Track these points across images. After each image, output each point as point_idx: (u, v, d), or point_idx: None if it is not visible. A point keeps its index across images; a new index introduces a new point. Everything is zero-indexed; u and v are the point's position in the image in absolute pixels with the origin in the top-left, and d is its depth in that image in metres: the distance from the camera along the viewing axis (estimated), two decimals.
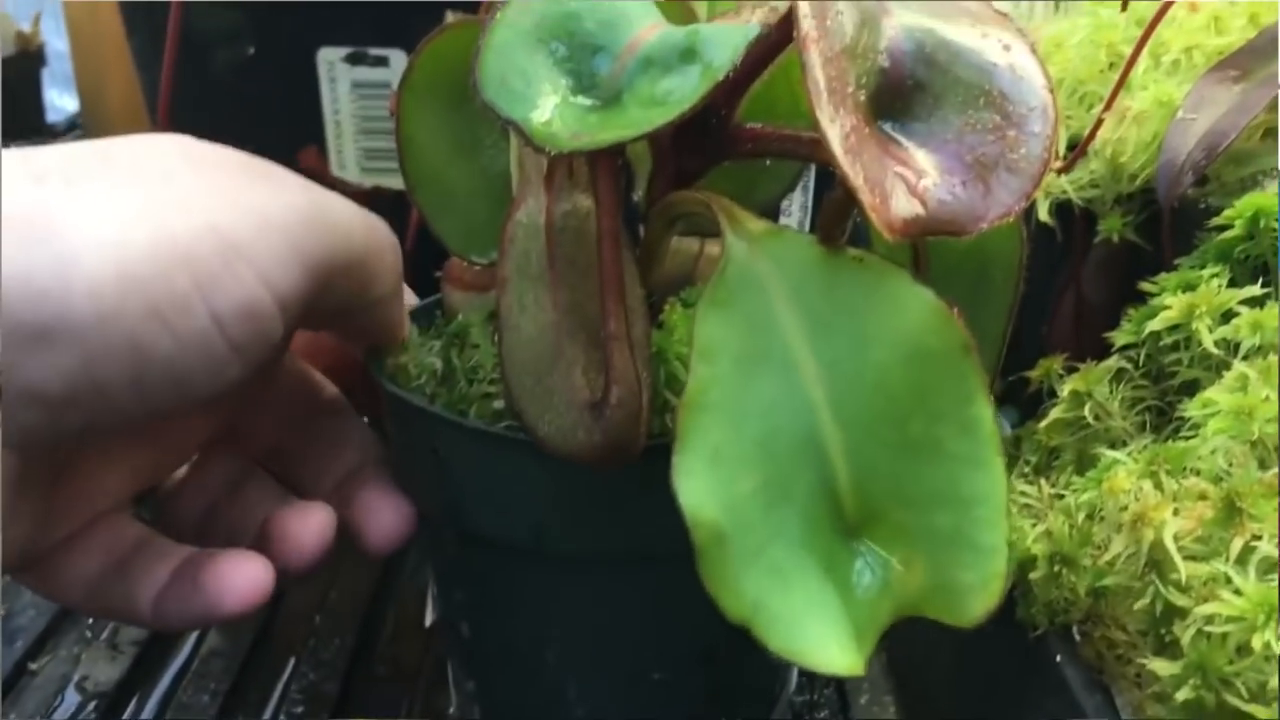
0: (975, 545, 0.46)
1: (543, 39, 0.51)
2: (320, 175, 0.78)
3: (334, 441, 0.68)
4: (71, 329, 0.45)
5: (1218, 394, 0.58)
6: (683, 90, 0.48)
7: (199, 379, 0.49)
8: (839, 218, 0.51)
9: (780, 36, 0.51)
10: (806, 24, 0.46)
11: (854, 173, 0.44)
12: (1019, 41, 0.50)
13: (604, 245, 0.53)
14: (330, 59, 1.28)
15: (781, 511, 0.47)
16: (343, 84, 1.28)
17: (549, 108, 0.49)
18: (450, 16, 1.26)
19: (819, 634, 0.46)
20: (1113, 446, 0.66)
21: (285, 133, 1.31)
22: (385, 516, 0.64)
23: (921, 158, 0.48)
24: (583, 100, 0.50)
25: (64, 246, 0.45)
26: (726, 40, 0.49)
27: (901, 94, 0.50)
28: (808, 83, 0.45)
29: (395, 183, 0.99)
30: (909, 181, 0.47)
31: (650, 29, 0.52)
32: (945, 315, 0.47)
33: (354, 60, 1.27)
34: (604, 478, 0.56)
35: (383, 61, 1.27)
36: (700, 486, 0.46)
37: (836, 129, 0.45)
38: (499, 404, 0.61)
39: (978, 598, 0.46)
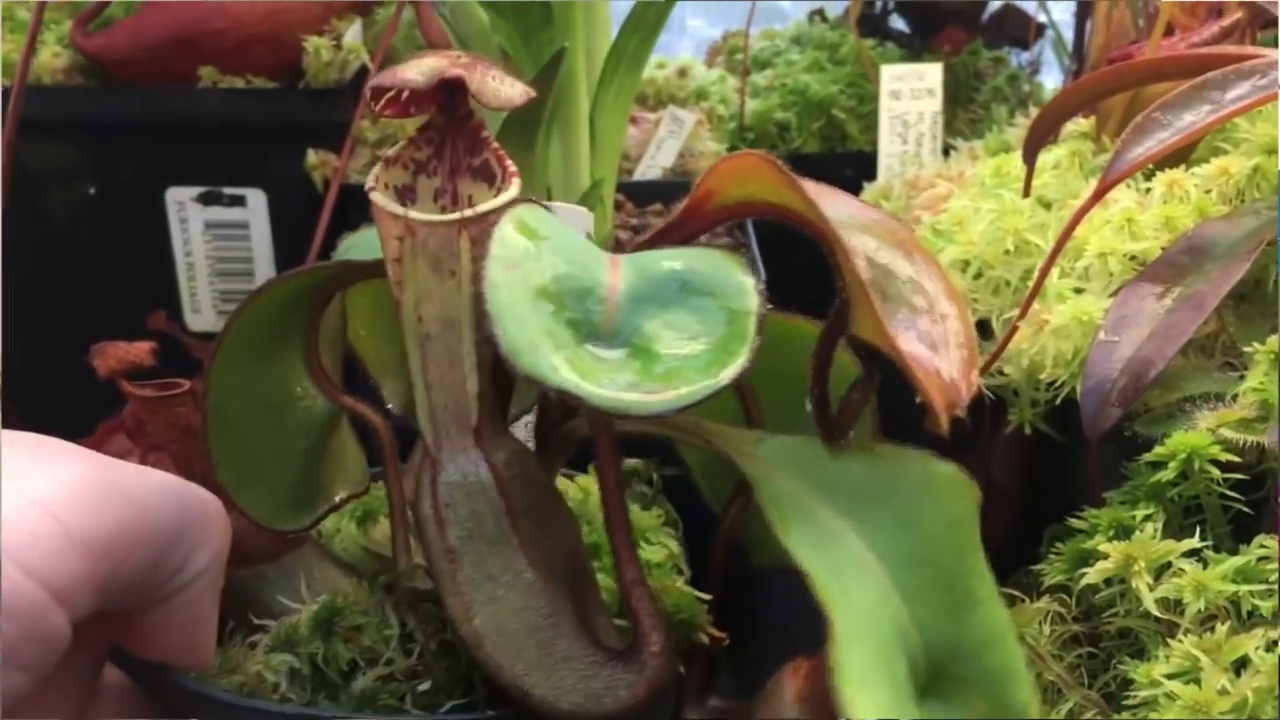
0: (1016, 671, 0.50)
1: (537, 292, 0.47)
2: (172, 337, 0.71)
3: None
4: None
5: (1167, 677, 0.54)
6: (708, 330, 0.48)
7: None
8: (855, 416, 0.54)
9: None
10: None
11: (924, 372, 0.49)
12: (928, 263, 0.55)
13: (607, 491, 0.54)
14: (180, 199, 1.19)
15: (903, 698, 0.49)
16: (195, 225, 1.18)
17: (582, 365, 0.46)
18: (312, 156, 1.20)
19: None
20: (1046, 698, 0.62)
21: (131, 278, 1.22)
22: None
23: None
24: (595, 350, 0.46)
25: None
26: (727, 276, 0.49)
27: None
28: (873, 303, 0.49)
29: None
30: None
31: (611, 263, 0.50)
32: (965, 480, 0.52)
33: (207, 200, 1.18)
34: None
35: (239, 201, 1.18)
36: (866, 708, 0.46)
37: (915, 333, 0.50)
38: (422, 686, 0.57)
39: (1031, 710, 0.50)
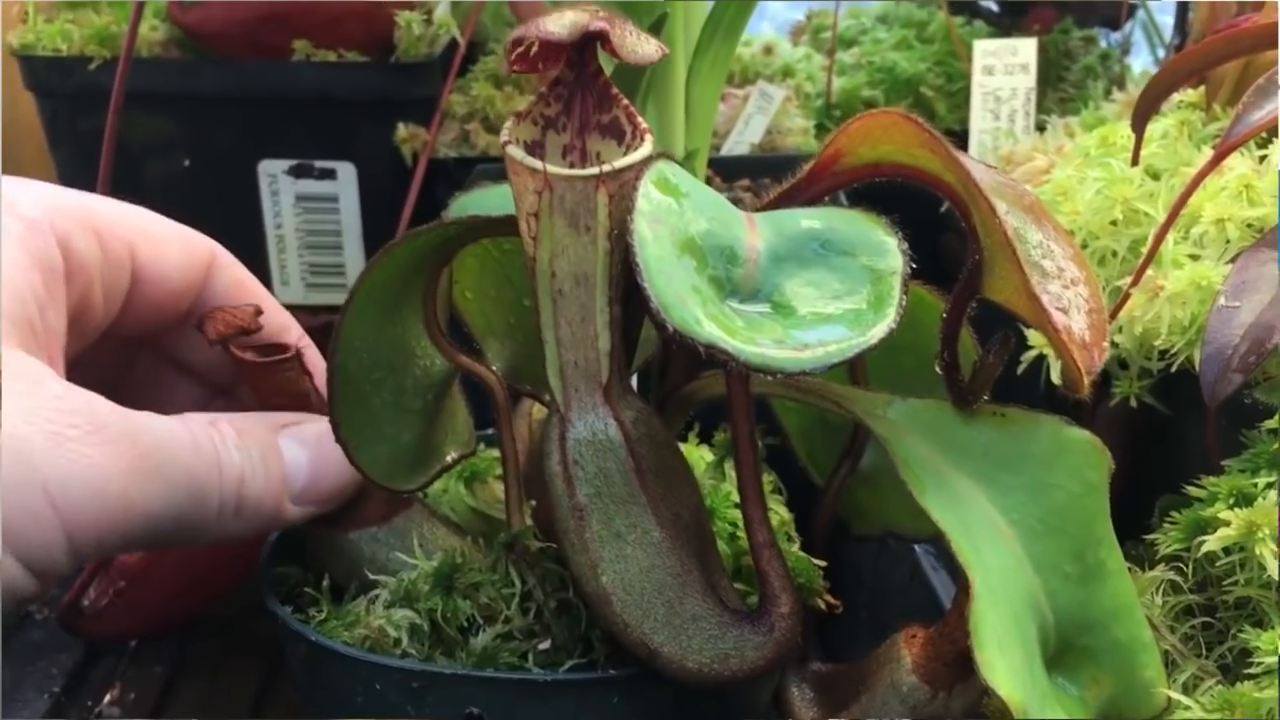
0: (1145, 644, 0.52)
1: (682, 247, 0.47)
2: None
3: None
4: None
5: None
6: (848, 287, 0.48)
7: None
8: (989, 381, 0.54)
9: None
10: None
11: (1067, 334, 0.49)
12: (1056, 229, 0.55)
13: (741, 451, 0.54)
14: (272, 171, 1.20)
15: (1035, 667, 0.50)
16: (286, 197, 1.20)
17: (727, 322, 0.46)
18: (402, 129, 1.21)
19: None
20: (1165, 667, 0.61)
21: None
22: None
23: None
24: (737, 306, 0.47)
25: None
26: (867, 235, 0.49)
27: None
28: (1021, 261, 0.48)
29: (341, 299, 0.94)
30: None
31: (749, 221, 0.50)
32: (1099, 447, 0.53)
33: (298, 173, 1.19)
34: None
35: (329, 174, 1.20)
36: (1004, 676, 0.47)
37: (1048, 296, 0.49)
38: (542, 645, 0.57)
39: (1158, 688, 0.52)
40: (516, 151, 0.50)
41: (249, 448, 0.57)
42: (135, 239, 0.61)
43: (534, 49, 0.51)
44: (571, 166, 0.54)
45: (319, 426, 0.60)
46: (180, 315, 0.65)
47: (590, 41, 0.51)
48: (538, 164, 0.49)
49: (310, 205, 1.21)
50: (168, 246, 0.63)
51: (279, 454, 0.59)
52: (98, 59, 1.15)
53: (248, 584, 0.71)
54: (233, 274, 0.66)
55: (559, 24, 0.48)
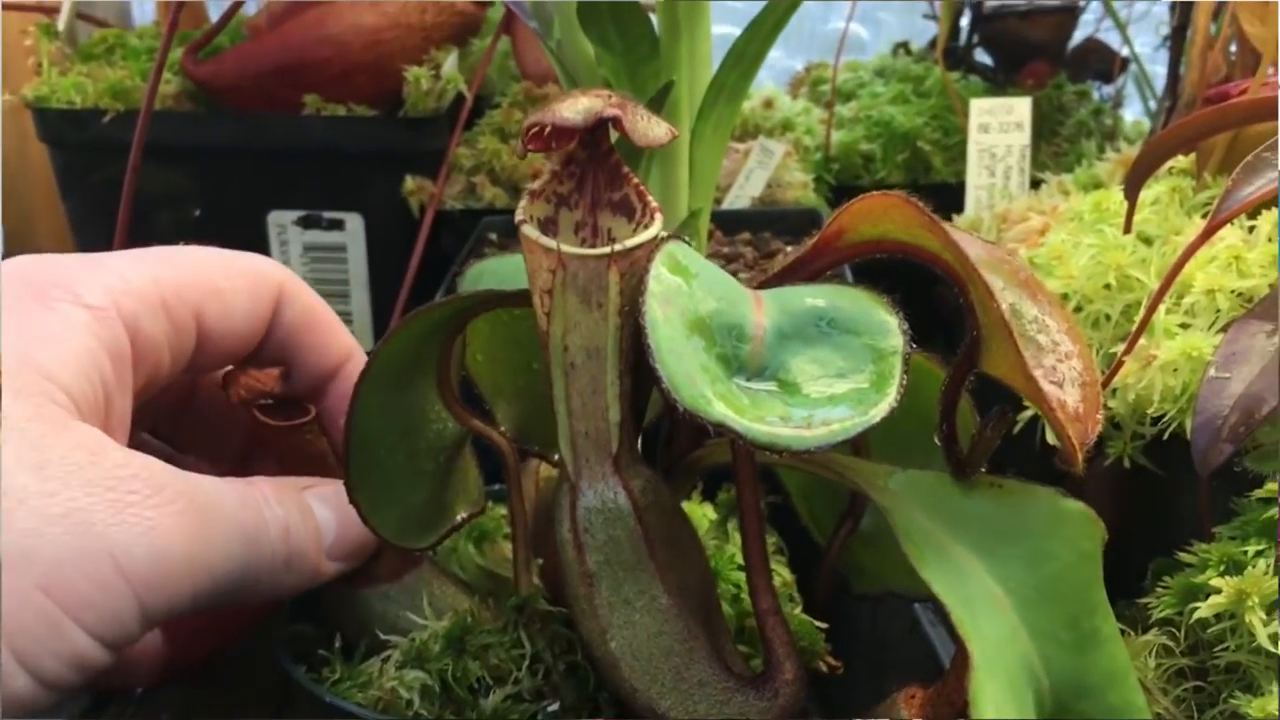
0: (1138, 708, 0.52)
1: (691, 327, 0.49)
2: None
3: None
4: None
5: None
6: (851, 365, 0.49)
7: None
8: (986, 453, 0.55)
9: None
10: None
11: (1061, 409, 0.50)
12: (1051, 303, 0.56)
13: (747, 521, 0.55)
14: (281, 221, 1.23)
15: None
16: (295, 247, 1.22)
17: (735, 400, 0.48)
18: (410, 181, 1.23)
19: None
20: None
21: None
22: None
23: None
24: (744, 384, 0.49)
25: None
26: (869, 314, 0.51)
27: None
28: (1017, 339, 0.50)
29: None
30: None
31: (755, 300, 0.51)
32: (1093, 518, 0.54)
33: (307, 224, 1.22)
34: None
35: (338, 225, 1.22)
36: None
37: (1043, 371, 0.50)
38: (551, 706, 0.58)
39: None
40: (531, 231, 0.52)
41: (287, 503, 0.58)
42: (203, 302, 0.61)
43: (548, 131, 0.53)
44: (584, 243, 0.56)
45: (337, 487, 0.62)
46: (248, 351, 0.65)
47: (603, 125, 0.53)
48: (552, 243, 0.51)
49: (319, 255, 1.23)
50: (235, 300, 0.63)
51: (310, 511, 0.60)
52: (111, 112, 1.17)
53: (255, 633, 0.72)
54: (301, 303, 0.66)
55: (574, 110, 0.50)
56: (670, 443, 0.61)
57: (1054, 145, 1.36)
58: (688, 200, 0.98)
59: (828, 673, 0.64)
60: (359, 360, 0.68)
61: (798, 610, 0.67)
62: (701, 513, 0.75)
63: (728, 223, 1.16)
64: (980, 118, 1.17)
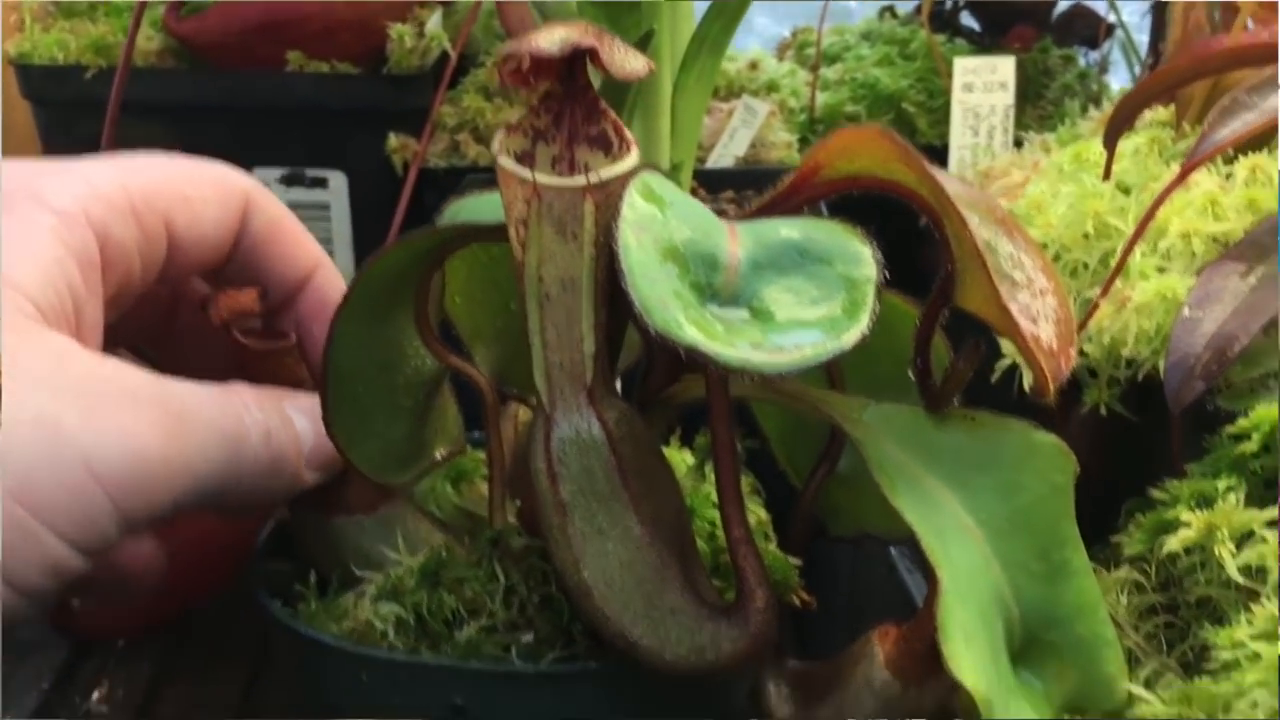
0: (1107, 640, 0.54)
1: (665, 254, 0.49)
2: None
3: None
4: None
5: (1250, 637, 0.55)
6: (824, 293, 0.50)
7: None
8: (959, 385, 0.56)
9: None
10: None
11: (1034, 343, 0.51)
12: (1026, 240, 0.56)
13: (720, 450, 0.55)
14: (264, 179, 1.21)
15: (1001, 661, 0.52)
16: None
17: (707, 326, 0.48)
18: (393, 139, 1.23)
19: None
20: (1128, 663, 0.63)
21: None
22: None
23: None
24: (718, 311, 0.49)
25: None
26: (843, 244, 0.51)
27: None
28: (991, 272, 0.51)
29: None
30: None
31: (730, 230, 0.52)
32: (1065, 450, 0.55)
33: (290, 181, 1.22)
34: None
35: (320, 183, 1.22)
36: (969, 669, 0.49)
37: (1017, 305, 0.51)
38: (525, 638, 0.59)
39: (1120, 683, 0.54)
40: (507, 162, 0.52)
41: (267, 408, 0.58)
42: (172, 208, 0.60)
43: (525, 64, 0.53)
44: (560, 176, 0.56)
45: (313, 400, 0.61)
46: (219, 262, 0.65)
47: (580, 57, 0.53)
48: (527, 173, 0.51)
49: (302, 213, 1.21)
50: (204, 208, 0.62)
51: (289, 418, 0.60)
52: (93, 68, 1.17)
53: (235, 583, 0.72)
54: (268, 213, 0.66)
55: (550, 40, 0.50)
56: (647, 378, 0.61)
57: (1039, 108, 1.36)
58: (670, 153, 0.98)
59: (801, 607, 0.65)
60: (327, 270, 0.68)
61: (772, 546, 0.67)
62: (680, 457, 0.75)
63: (711, 181, 1.16)
64: (964, 77, 1.18)
